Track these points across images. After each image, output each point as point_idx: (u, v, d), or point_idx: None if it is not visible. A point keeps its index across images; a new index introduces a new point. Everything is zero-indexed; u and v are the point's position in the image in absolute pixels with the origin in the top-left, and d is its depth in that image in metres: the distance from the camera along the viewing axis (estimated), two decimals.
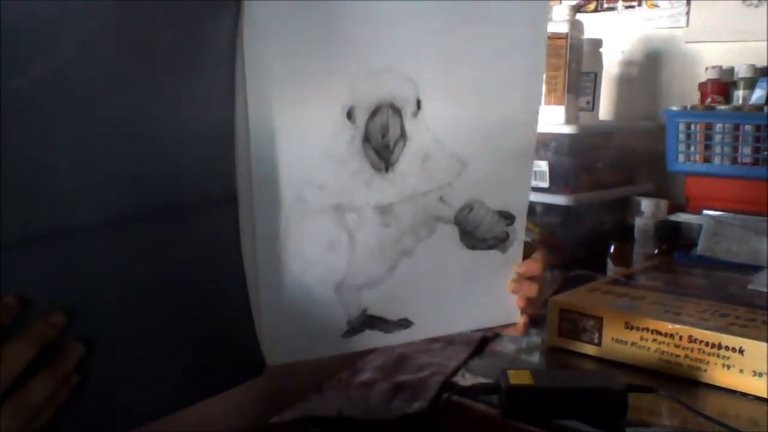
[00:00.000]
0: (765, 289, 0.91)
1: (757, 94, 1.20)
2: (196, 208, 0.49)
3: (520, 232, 0.61)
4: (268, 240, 0.52)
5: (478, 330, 0.78)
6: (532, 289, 0.63)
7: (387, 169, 0.55)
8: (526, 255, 0.63)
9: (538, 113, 0.60)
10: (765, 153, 1.12)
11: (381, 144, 0.54)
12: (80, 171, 0.44)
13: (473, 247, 0.60)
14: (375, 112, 0.53)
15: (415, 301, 0.59)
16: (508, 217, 0.60)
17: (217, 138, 0.49)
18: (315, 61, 0.50)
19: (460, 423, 0.71)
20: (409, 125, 0.54)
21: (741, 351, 0.72)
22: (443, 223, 0.58)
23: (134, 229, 0.46)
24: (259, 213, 0.52)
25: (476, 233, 0.60)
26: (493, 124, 0.57)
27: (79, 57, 0.42)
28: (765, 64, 1.26)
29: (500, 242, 0.61)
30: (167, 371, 0.50)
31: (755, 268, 1.02)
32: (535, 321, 0.65)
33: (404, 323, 0.59)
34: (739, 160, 1.16)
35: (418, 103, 0.54)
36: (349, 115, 0.52)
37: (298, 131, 0.51)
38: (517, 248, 0.62)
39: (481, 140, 0.57)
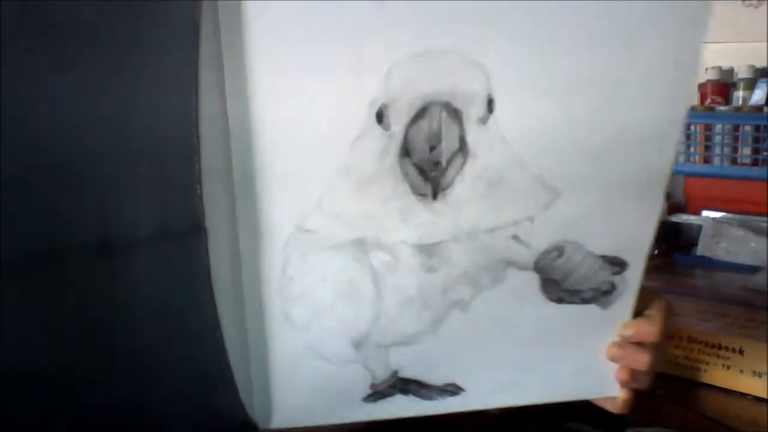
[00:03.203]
0: (765, 290, 0.91)
1: (757, 95, 1.20)
2: (139, 245, 0.36)
3: (633, 284, 0.45)
4: (256, 281, 0.40)
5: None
6: (641, 360, 0.46)
7: (435, 196, 0.39)
8: (640, 309, 0.46)
9: (681, 123, 0.41)
10: (765, 153, 1.13)
11: (428, 160, 0.38)
12: None
13: (560, 300, 0.44)
14: (421, 114, 0.37)
15: (466, 362, 0.45)
16: (617, 264, 0.44)
17: (171, 145, 0.35)
18: (330, 31, 0.35)
19: (461, 423, 0.71)
20: (474, 134, 0.38)
21: (741, 351, 0.72)
22: (517, 270, 0.43)
23: (46, 271, 0.35)
24: (245, 246, 0.39)
25: (566, 282, 0.44)
26: (609, 137, 0.40)
27: None
28: (765, 64, 1.26)
29: (601, 295, 0.45)
30: None
31: (755, 269, 1.02)
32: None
33: (452, 389, 0.46)
34: (738, 160, 1.16)
35: (490, 103, 0.37)
36: (380, 115, 0.37)
37: (301, 136, 0.37)
38: (625, 303, 0.45)
39: (586, 160, 0.40)
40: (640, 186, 0.42)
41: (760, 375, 0.71)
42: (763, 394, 0.70)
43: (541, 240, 0.42)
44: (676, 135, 0.41)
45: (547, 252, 0.42)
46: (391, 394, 0.45)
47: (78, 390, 0.37)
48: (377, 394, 0.45)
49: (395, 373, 0.45)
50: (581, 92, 0.38)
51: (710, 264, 1.07)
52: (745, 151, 1.15)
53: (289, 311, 0.41)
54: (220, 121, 0.36)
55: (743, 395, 0.72)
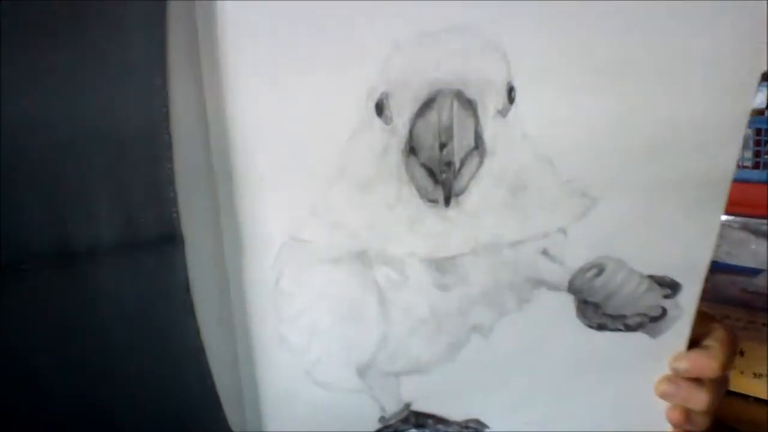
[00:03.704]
0: (765, 292, 0.92)
1: (758, 99, 1.21)
2: (102, 253, 0.32)
3: (688, 309, 0.38)
4: (245, 298, 0.35)
5: None
6: (697, 399, 0.39)
7: (448, 202, 0.33)
8: (696, 338, 0.40)
9: (745, 119, 0.34)
10: (766, 157, 1.14)
11: (438, 159, 0.32)
12: None
13: (600, 327, 0.38)
14: (428, 105, 0.31)
15: (489, 396, 0.39)
16: (668, 285, 0.37)
17: (136, 139, 0.31)
18: (318, 9, 0.30)
19: None
20: (491, 129, 0.32)
21: (741, 353, 0.73)
22: (548, 290, 0.37)
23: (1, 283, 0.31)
24: (231, 257, 0.34)
25: (607, 306, 0.37)
26: (656, 134, 0.34)
27: None
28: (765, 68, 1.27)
29: (650, 322, 0.38)
30: None
31: (755, 271, 1.03)
32: None
33: (474, 426, 0.40)
34: (739, 163, 1.17)
35: (511, 93, 0.32)
36: (380, 107, 0.31)
37: (288, 132, 0.32)
38: (678, 332, 0.39)
39: (628, 161, 0.34)
40: (694, 193, 0.35)
41: (760, 376, 0.72)
42: (763, 395, 0.72)
43: (576, 256, 0.36)
44: (740, 132, 0.35)
45: (583, 270, 0.37)
46: (403, 430, 0.39)
47: (42, 406, 0.33)
48: (388, 428, 0.39)
49: (408, 405, 0.39)
50: (622, 81, 0.32)
51: (711, 266, 1.08)
52: (746, 154, 1.16)
53: (283, 332, 0.36)
54: (199, 116, 0.31)
55: (744, 396, 0.73)
